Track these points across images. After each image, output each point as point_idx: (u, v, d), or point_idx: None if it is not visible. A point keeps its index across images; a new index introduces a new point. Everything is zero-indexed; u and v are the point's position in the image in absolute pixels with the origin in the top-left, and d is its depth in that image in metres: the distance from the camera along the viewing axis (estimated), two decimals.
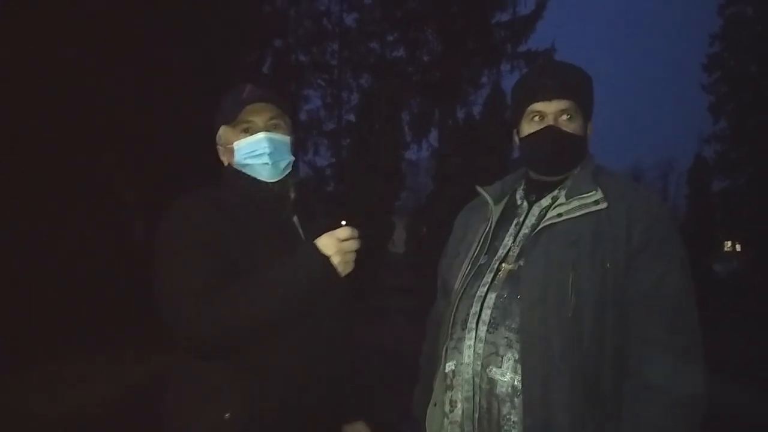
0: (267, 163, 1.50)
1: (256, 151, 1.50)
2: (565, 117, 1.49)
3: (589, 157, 1.57)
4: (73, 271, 6.59)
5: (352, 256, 1.38)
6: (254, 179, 1.51)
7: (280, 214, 1.51)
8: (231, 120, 1.51)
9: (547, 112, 1.49)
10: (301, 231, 1.53)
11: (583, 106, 1.52)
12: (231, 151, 1.52)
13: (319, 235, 1.39)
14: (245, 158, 1.50)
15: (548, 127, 1.49)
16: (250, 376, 1.36)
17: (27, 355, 5.36)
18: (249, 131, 1.50)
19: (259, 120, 1.50)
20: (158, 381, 1.54)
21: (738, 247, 26.24)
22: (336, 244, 1.35)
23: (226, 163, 1.56)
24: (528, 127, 1.53)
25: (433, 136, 20.08)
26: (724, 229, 22.54)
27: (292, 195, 1.53)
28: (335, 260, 1.34)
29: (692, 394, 1.30)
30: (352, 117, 19.92)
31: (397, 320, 11.25)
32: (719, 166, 21.48)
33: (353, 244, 1.38)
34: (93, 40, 6.74)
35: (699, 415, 1.31)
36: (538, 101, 1.50)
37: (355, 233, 1.38)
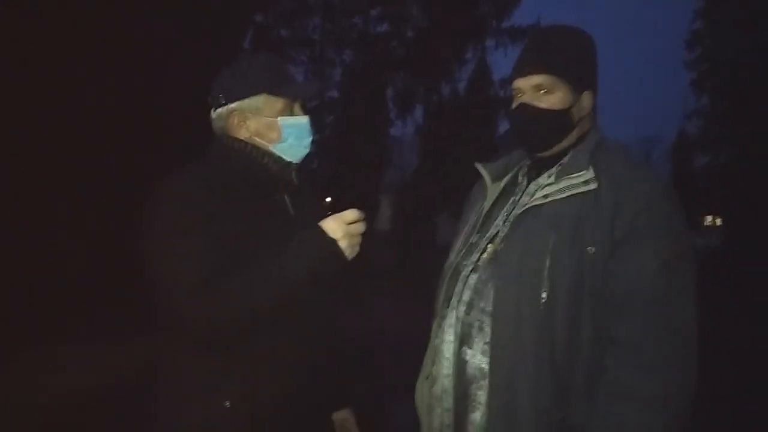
0: (306, 147, 1.49)
1: (302, 132, 1.47)
2: (541, 92, 1.43)
3: (592, 131, 1.49)
4: (56, 255, 6.49)
5: (359, 240, 1.33)
6: (266, 156, 1.44)
7: (274, 194, 1.46)
8: (283, 93, 1.44)
9: (524, 89, 1.45)
10: (291, 210, 1.48)
11: (568, 76, 1.43)
12: (266, 125, 1.43)
13: (310, 214, 1.34)
14: (290, 136, 1.45)
15: (519, 105, 1.45)
16: (249, 363, 1.32)
17: (10, 342, 5.28)
18: (294, 113, 1.46)
19: (300, 105, 1.49)
20: (146, 366, 1.48)
21: (718, 222, 26.65)
22: (343, 228, 1.30)
23: (240, 135, 1.44)
24: (513, 105, 1.50)
25: (418, 112, 19.95)
26: (706, 203, 22.90)
27: (294, 178, 1.48)
28: (343, 244, 1.29)
29: (664, 394, 1.22)
30: (335, 93, 19.72)
31: (381, 300, 11.27)
32: (701, 143, 21.70)
33: (360, 227, 1.33)
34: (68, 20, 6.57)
35: (674, 416, 1.23)
36: (517, 78, 1.46)
37: (362, 215, 1.34)
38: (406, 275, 13.03)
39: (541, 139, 1.47)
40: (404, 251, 16.38)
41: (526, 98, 1.44)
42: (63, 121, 6.53)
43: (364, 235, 1.34)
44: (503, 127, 18.37)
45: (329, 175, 18.11)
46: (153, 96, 7.24)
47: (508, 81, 1.57)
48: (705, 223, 27.89)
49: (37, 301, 6.05)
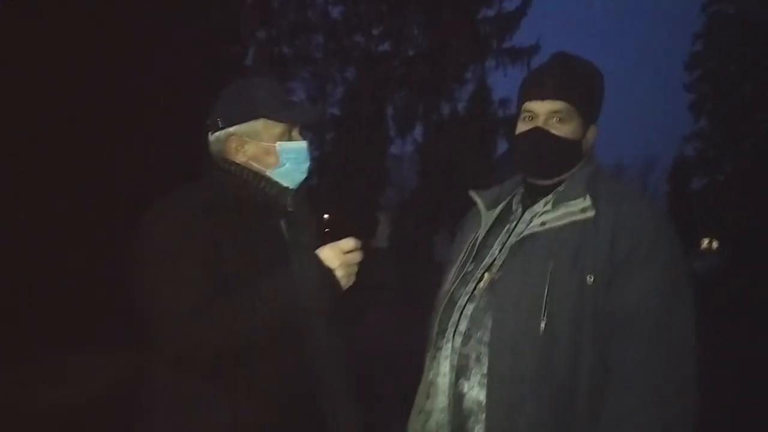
0: (304, 173, 1.47)
1: (300, 157, 1.46)
2: (556, 119, 1.41)
3: (589, 161, 1.48)
4: (56, 260, 6.46)
5: (355, 269, 1.32)
6: (263, 181, 1.43)
7: (269, 219, 1.44)
8: (282, 118, 1.43)
9: (539, 113, 1.42)
10: (286, 236, 1.46)
11: (583, 107, 1.43)
12: (264, 149, 1.42)
13: (306, 239, 1.33)
14: (288, 161, 1.44)
15: (535, 129, 1.42)
16: (240, 391, 1.29)
17: (5, 353, 5.24)
18: (292, 138, 1.45)
19: (298, 130, 1.48)
20: (139, 377, 1.45)
21: (714, 245, 26.62)
22: (340, 257, 1.29)
23: (238, 159, 1.42)
24: (520, 126, 1.47)
25: (418, 131, 20.03)
26: (702, 226, 22.89)
27: (290, 203, 1.47)
28: (339, 273, 1.28)
29: (664, 426, 1.21)
30: (336, 110, 19.81)
31: (380, 317, 11.21)
32: (699, 165, 21.77)
33: (357, 256, 1.31)
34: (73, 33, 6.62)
35: None
36: (531, 100, 1.43)
37: (359, 244, 1.32)
38: (404, 292, 12.97)
39: (550, 166, 1.45)
40: (403, 268, 16.33)
41: (540, 123, 1.41)
42: (65, 121, 6.52)
43: (360, 264, 1.32)
44: (502, 147, 18.45)
45: (329, 192, 18.12)
46: (154, 112, 7.26)
47: (517, 101, 1.51)
48: (702, 246, 27.88)
49: (36, 309, 6.01)
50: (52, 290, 6.26)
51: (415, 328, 1.58)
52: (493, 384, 1.29)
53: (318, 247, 1.32)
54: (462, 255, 1.52)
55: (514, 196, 1.57)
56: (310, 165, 1.49)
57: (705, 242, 27.83)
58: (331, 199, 17.76)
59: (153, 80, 7.34)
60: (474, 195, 1.59)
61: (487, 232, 1.52)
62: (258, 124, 1.42)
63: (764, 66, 18.92)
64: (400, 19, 19.41)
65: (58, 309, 6.13)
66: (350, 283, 1.32)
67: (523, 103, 1.46)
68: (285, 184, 1.45)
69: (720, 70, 20.98)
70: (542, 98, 1.41)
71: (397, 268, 16.94)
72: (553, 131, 1.41)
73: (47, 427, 4.25)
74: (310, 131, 19.53)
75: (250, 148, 1.42)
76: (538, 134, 1.41)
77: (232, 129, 1.41)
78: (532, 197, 1.50)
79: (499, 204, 1.57)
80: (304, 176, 1.49)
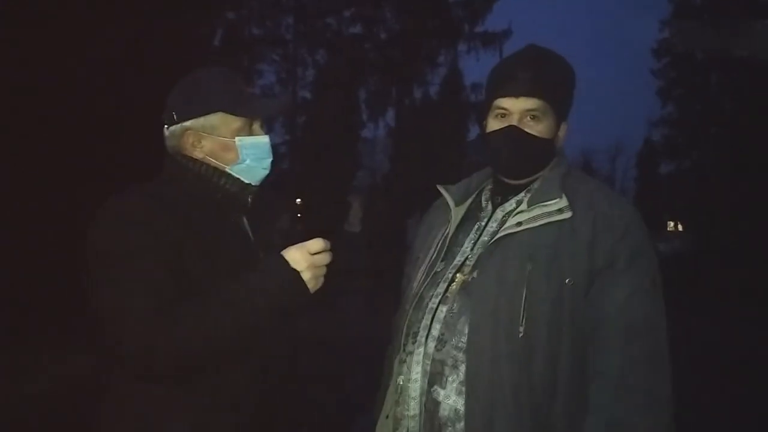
0: (266, 169, 1.38)
1: (261, 153, 1.37)
2: (530, 117, 1.35)
3: (561, 159, 1.43)
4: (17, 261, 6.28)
5: (323, 271, 1.25)
6: (223, 178, 1.34)
7: (230, 216, 1.37)
8: (241, 112, 1.34)
9: (512, 111, 1.36)
10: (250, 233, 1.39)
11: (557, 105, 1.38)
12: (222, 145, 1.33)
13: (268, 238, 1.26)
14: (248, 157, 1.35)
15: (510, 128, 1.35)
16: (202, 396, 1.22)
17: None
18: (252, 132, 1.36)
19: (259, 124, 1.39)
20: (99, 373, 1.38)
21: (680, 227, 27.34)
22: (307, 258, 1.21)
23: (195, 155, 1.33)
24: (492, 123, 1.40)
25: (390, 115, 19.99)
26: (668, 209, 23.50)
27: (250, 200, 1.39)
28: (306, 276, 1.21)
29: (656, 427, 1.20)
30: (307, 94, 19.62)
31: (353, 303, 11.23)
32: (666, 150, 22.24)
33: (325, 258, 1.24)
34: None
35: None
36: (504, 96, 1.37)
37: (327, 245, 1.25)
38: (376, 277, 13.01)
39: (525, 166, 1.40)
40: (374, 253, 16.36)
41: (515, 121, 1.36)
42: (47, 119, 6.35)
43: (329, 265, 1.25)
44: (474, 131, 18.53)
45: (300, 176, 17.98)
46: (119, 94, 7.06)
47: (486, 93, 1.45)
48: (668, 229, 28.59)
49: (15, 303, 5.86)
50: (31, 284, 6.10)
51: (387, 314, 1.53)
52: (471, 391, 1.25)
53: (283, 247, 1.24)
54: (431, 253, 1.44)
55: (482, 191, 1.51)
56: (273, 160, 1.40)
57: (671, 225, 28.55)
58: (303, 183, 17.65)
59: (118, 69, 7.13)
60: (442, 189, 1.53)
61: (457, 228, 1.46)
62: (215, 118, 1.33)
63: (730, 54, 19.32)
64: (371, 2, 19.23)
65: (36, 304, 5.98)
66: (318, 286, 1.24)
67: (495, 98, 1.39)
68: (246, 180, 1.37)
69: (686, 58, 21.37)
70: (516, 95, 1.35)
71: (368, 253, 16.97)
72: (528, 130, 1.36)
73: (26, 416, 4.16)
74: (282, 116, 19.32)
75: (208, 144, 1.33)
76: (513, 133, 1.36)
77: (187, 123, 1.32)
78: (502, 194, 1.45)
79: (468, 199, 1.50)
80: (266, 172, 1.39)
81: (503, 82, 1.38)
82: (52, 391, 4.82)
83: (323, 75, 18.32)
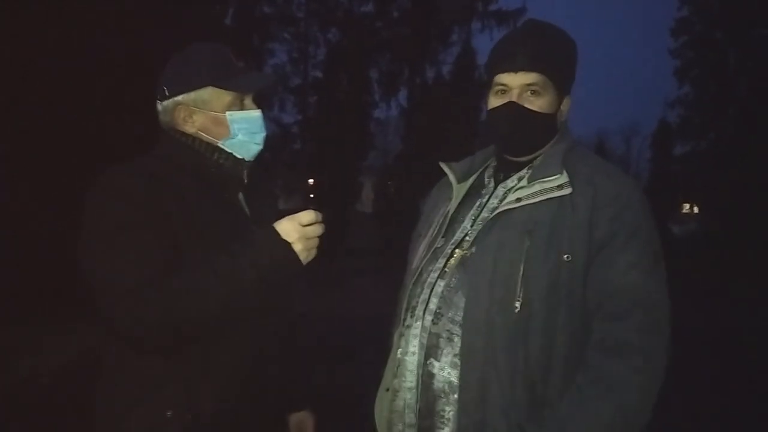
0: (258, 144, 1.39)
1: (252, 127, 1.37)
2: (530, 92, 1.35)
3: (564, 135, 1.42)
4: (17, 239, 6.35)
5: (315, 243, 1.25)
6: (216, 153, 1.35)
7: (225, 192, 1.38)
8: (230, 86, 1.34)
9: (512, 86, 1.35)
10: (246, 209, 1.40)
11: (558, 78, 1.36)
12: (213, 119, 1.34)
13: (265, 214, 1.27)
14: (240, 132, 1.36)
15: (509, 104, 1.35)
16: (194, 369, 1.24)
17: None
18: (244, 107, 1.37)
19: (251, 99, 1.39)
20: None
21: (695, 209, 27.06)
22: (298, 230, 1.21)
23: (187, 130, 1.35)
24: (493, 100, 1.40)
25: (402, 95, 19.83)
26: (683, 191, 23.24)
27: (245, 177, 1.40)
28: (297, 247, 1.21)
29: (641, 405, 1.20)
30: (319, 73, 19.50)
31: (364, 282, 11.28)
32: (682, 131, 21.93)
33: (317, 229, 1.24)
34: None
35: (637, 428, 1.21)
36: (504, 72, 1.36)
37: (319, 216, 1.24)
38: (387, 257, 13.05)
39: (526, 142, 1.39)
40: (386, 233, 16.38)
41: (514, 97, 1.35)
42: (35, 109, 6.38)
43: (321, 237, 1.25)
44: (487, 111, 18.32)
45: (312, 156, 17.97)
46: (131, 75, 7.07)
47: (486, 72, 1.43)
48: (683, 211, 28.34)
49: (13, 282, 5.94)
50: (31, 261, 6.18)
51: (397, 293, 1.54)
52: (465, 364, 1.26)
53: (276, 220, 1.25)
54: (432, 229, 1.45)
55: (485, 169, 1.51)
56: (266, 135, 1.41)
57: (686, 207, 28.28)
58: (315, 163, 17.63)
59: (130, 48, 7.11)
60: (445, 167, 1.53)
61: (458, 205, 1.46)
62: (206, 93, 1.34)
63: (749, 33, 18.92)
64: None
65: (37, 280, 6.06)
66: (311, 257, 1.24)
67: (495, 75, 1.38)
68: (239, 155, 1.38)
69: (705, 37, 20.95)
70: (515, 70, 1.34)
71: (380, 234, 16.99)
72: (528, 105, 1.35)
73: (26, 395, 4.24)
74: (294, 87, 19.04)
75: (199, 119, 1.35)
76: (513, 109, 1.35)
77: (179, 98, 1.34)
78: (505, 171, 1.45)
79: (471, 176, 1.51)
80: (259, 147, 1.40)
81: (502, 59, 1.37)
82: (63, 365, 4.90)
83: (335, 54, 18.17)
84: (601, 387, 1.20)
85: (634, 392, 1.20)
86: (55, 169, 6.52)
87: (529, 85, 1.34)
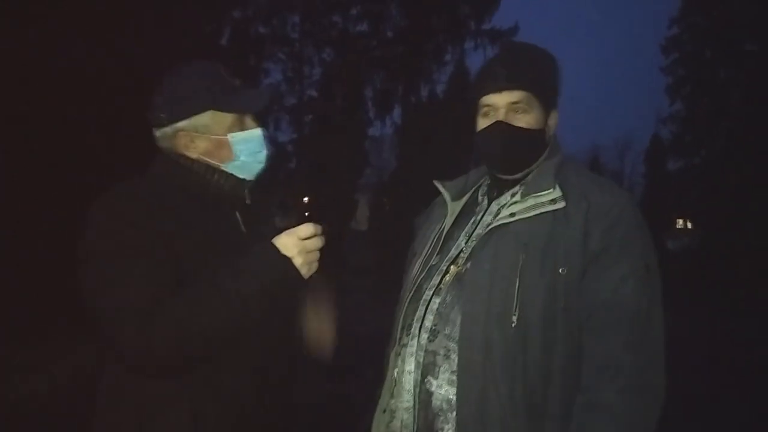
0: (261, 162, 1.37)
1: (255, 147, 1.36)
2: (516, 110, 1.36)
3: (554, 149, 1.44)
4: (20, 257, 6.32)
5: (315, 256, 1.24)
6: (216, 174, 1.34)
7: (224, 211, 1.36)
8: (230, 108, 1.33)
9: (498, 106, 1.37)
10: (243, 228, 1.38)
11: (542, 94, 1.39)
12: (216, 143, 1.32)
13: (264, 232, 1.26)
14: (242, 153, 1.34)
15: (496, 123, 1.36)
16: (199, 391, 1.22)
17: None
18: (245, 126, 1.35)
19: (253, 119, 1.38)
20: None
21: (689, 225, 27.14)
22: (298, 244, 1.21)
23: (191, 155, 1.33)
24: (481, 121, 1.42)
25: (397, 113, 19.95)
26: (677, 207, 23.34)
27: (248, 198, 1.39)
28: (297, 262, 1.20)
29: (644, 414, 1.20)
30: (314, 92, 19.60)
31: (359, 300, 11.23)
32: (674, 147, 22.10)
33: (316, 243, 1.23)
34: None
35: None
36: (488, 93, 1.38)
37: (318, 230, 1.24)
38: (383, 274, 13.01)
39: (517, 160, 1.40)
40: (381, 251, 16.35)
41: (501, 116, 1.36)
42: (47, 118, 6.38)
43: (321, 250, 1.24)
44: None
45: (307, 174, 17.99)
46: (122, 94, 7.09)
47: (473, 97, 1.45)
48: (677, 226, 28.43)
49: (15, 299, 5.90)
50: (29, 278, 6.14)
51: (392, 309, 1.53)
52: (463, 380, 1.25)
53: (275, 236, 1.24)
54: (427, 247, 1.45)
55: (479, 187, 1.52)
56: (268, 153, 1.39)
57: (679, 222, 28.36)
58: (310, 181, 17.65)
59: (125, 66, 7.14)
60: (439, 185, 1.54)
61: (453, 223, 1.47)
62: (206, 117, 1.31)
63: (739, 51, 19.17)
64: None
65: (37, 298, 6.01)
66: (312, 271, 1.24)
67: (480, 97, 1.40)
68: (242, 176, 1.37)
69: (695, 55, 21.22)
70: (499, 90, 1.37)
71: (376, 251, 16.95)
72: (516, 123, 1.36)
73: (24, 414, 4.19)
74: (289, 105, 19.13)
75: (202, 144, 1.33)
76: (501, 128, 1.36)
77: (179, 124, 1.31)
78: (498, 189, 1.45)
79: (465, 195, 1.51)
80: (262, 166, 1.39)
81: (485, 81, 1.40)
82: (60, 385, 4.84)
83: (330, 73, 18.29)
84: (593, 414, 1.20)
85: (622, 418, 1.18)
86: (54, 189, 6.50)
87: (514, 103, 1.37)
